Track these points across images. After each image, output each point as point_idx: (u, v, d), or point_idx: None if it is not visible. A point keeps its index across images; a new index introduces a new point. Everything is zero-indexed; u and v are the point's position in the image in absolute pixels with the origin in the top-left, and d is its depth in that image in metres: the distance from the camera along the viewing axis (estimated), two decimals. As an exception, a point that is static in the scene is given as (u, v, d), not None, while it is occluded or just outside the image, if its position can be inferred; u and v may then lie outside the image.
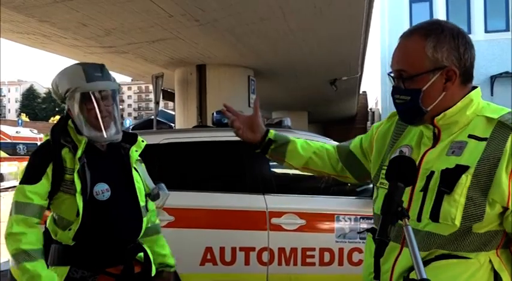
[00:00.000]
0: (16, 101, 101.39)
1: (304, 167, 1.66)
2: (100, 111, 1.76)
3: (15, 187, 1.88)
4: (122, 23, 5.25)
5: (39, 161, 1.75)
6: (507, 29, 14.50)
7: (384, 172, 1.33)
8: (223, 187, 3.51)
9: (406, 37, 1.26)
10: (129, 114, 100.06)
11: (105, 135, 1.78)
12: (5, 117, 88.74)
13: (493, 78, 14.31)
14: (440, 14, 14.91)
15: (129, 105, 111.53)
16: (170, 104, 10.64)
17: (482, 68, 14.04)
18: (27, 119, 52.50)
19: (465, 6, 14.90)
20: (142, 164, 2.01)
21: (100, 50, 6.86)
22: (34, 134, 18.17)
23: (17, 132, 18.40)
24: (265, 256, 3.31)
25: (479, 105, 1.24)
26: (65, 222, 1.76)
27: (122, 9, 4.71)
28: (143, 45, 6.43)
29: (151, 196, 2.02)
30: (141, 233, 1.91)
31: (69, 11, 4.77)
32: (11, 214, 1.71)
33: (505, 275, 1.19)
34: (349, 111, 19.44)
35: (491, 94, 14.36)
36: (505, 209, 1.14)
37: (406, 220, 1.05)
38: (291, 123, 4.37)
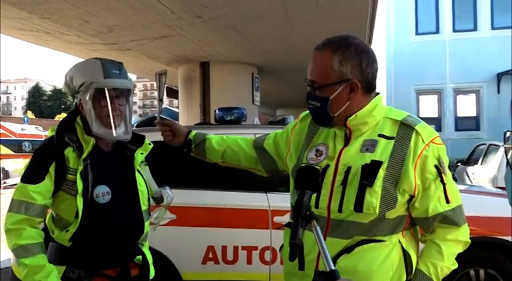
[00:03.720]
0: (22, 99, 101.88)
1: (222, 161, 1.84)
2: (112, 110, 1.73)
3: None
4: (124, 19, 5.23)
5: (42, 160, 1.71)
6: (514, 26, 14.33)
7: None
8: (225, 185, 3.48)
9: (318, 50, 1.41)
10: (134, 112, 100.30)
11: (114, 134, 1.74)
12: (11, 114, 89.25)
13: (499, 76, 14.15)
14: (446, 11, 14.75)
15: (134, 103, 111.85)
16: (175, 101, 10.66)
17: (488, 65, 13.92)
18: (33, 117, 52.61)
19: (471, 3, 14.73)
20: (147, 167, 1.97)
21: (103, 47, 6.84)
22: (39, 132, 18.22)
23: (22, 129, 18.42)
24: (267, 255, 3.28)
25: (383, 109, 1.44)
26: (63, 222, 1.72)
27: (123, 6, 4.69)
28: (146, 42, 6.41)
29: (155, 198, 1.98)
30: (142, 237, 1.87)
31: (70, 8, 4.75)
32: (10, 211, 1.66)
33: (412, 252, 1.42)
34: (354, 109, 19.32)
35: (498, 91, 14.23)
36: (412, 197, 1.38)
37: (314, 221, 1.18)
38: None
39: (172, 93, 10.20)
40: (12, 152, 16.24)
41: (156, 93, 8.23)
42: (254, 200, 3.34)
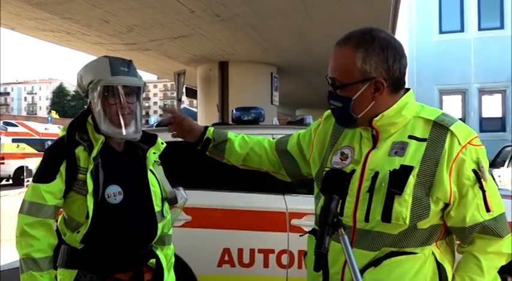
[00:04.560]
0: (47, 99, 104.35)
1: (242, 164, 1.71)
2: (121, 108, 1.68)
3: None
4: (144, 19, 5.24)
5: (53, 159, 1.68)
6: (542, 24, 13.87)
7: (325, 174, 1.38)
8: (241, 187, 3.41)
9: (340, 46, 1.29)
10: (155, 112, 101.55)
11: (124, 133, 1.70)
12: (36, 114, 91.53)
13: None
14: (471, 9, 14.38)
15: (155, 103, 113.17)
16: (196, 102, 10.74)
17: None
18: (57, 116, 53.72)
19: (497, 1, 14.33)
20: (160, 167, 1.92)
21: (123, 47, 6.89)
22: (62, 131, 18.63)
23: (45, 129, 18.88)
24: (284, 259, 3.20)
25: (414, 107, 1.31)
26: (75, 223, 1.69)
27: (142, 5, 4.69)
28: (165, 42, 6.42)
29: (168, 200, 1.92)
30: (155, 239, 1.82)
31: (90, 8, 4.78)
32: (21, 212, 1.64)
33: (447, 265, 1.29)
34: (375, 109, 19.08)
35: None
36: (446, 204, 1.24)
37: (342, 229, 1.10)
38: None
39: (192, 93, 10.24)
40: (36, 151, 16.61)
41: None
42: (271, 202, 3.27)
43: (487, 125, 14.27)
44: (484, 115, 14.48)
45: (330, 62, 1.31)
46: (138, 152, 1.81)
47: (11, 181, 16.59)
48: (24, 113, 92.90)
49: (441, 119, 1.27)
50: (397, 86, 1.28)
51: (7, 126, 17.51)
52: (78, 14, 5.08)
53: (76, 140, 1.69)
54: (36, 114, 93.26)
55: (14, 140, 16.94)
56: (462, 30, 14.56)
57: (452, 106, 14.64)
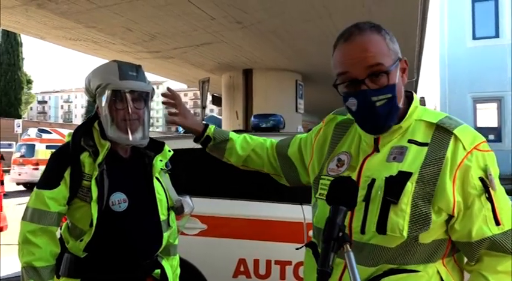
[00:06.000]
0: (82, 107, 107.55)
1: (243, 165, 1.67)
2: (129, 113, 1.65)
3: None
4: (165, 27, 5.26)
5: (57, 165, 1.66)
6: None
7: (322, 182, 1.29)
8: (259, 196, 3.33)
9: (358, 35, 1.15)
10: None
11: (130, 138, 1.66)
12: (71, 122, 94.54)
13: None
14: (506, 14, 13.86)
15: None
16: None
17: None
18: (91, 124, 55.12)
19: (535, 5, 13.76)
20: (167, 175, 1.88)
21: (148, 55, 6.96)
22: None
23: (78, 136, 19.35)
24: (302, 271, 3.08)
25: (419, 110, 1.23)
26: (78, 231, 1.66)
27: (163, 13, 4.70)
28: (188, 49, 6.43)
29: (174, 208, 1.87)
30: (160, 249, 1.77)
31: (113, 16, 4.83)
32: (24, 219, 1.62)
33: None
34: (405, 118, 18.62)
35: None
36: (451, 216, 1.12)
37: (348, 245, 0.99)
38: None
39: (218, 101, 10.28)
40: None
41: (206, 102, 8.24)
42: (288, 212, 3.17)
43: (524, 134, 13.66)
44: (522, 124, 13.87)
45: (356, 55, 1.14)
46: (145, 159, 1.77)
47: (44, 187, 17.07)
48: (60, 121, 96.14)
49: (444, 122, 1.16)
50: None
51: (42, 133, 18.04)
52: (101, 23, 5.15)
53: (81, 146, 1.66)
54: (71, 122, 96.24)
55: (47, 147, 17.42)
56: (497, 35, 14.05)
57: (487, 114, 14.11)
